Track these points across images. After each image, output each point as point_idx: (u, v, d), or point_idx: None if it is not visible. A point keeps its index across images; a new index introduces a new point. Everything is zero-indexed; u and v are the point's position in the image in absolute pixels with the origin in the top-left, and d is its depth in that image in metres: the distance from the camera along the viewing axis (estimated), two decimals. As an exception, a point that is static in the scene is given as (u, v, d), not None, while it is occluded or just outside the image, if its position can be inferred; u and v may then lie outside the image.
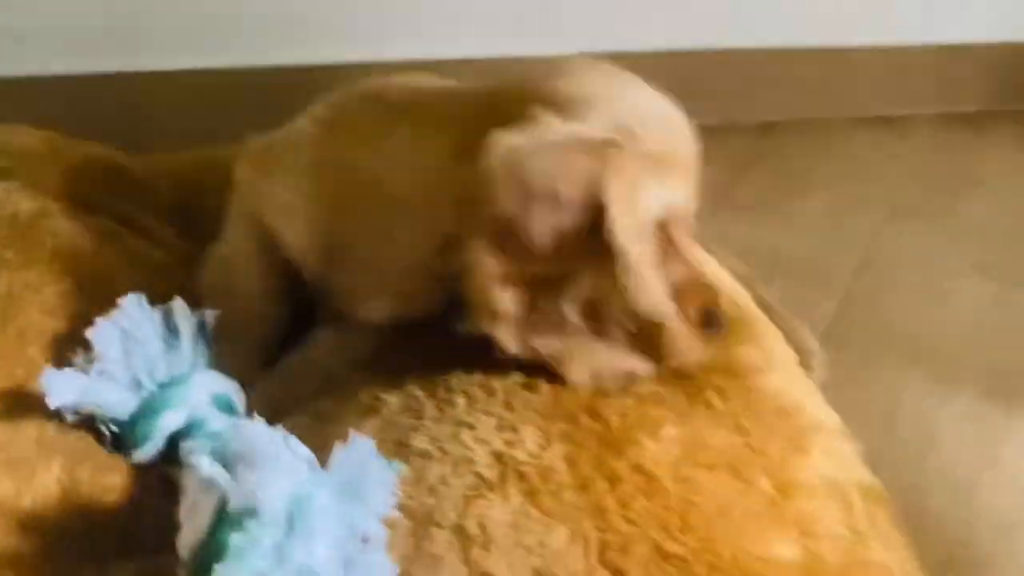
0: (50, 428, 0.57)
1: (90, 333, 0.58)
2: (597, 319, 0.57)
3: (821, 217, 1.31)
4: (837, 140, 1.60)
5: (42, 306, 0.65)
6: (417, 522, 0.53)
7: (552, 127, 0.55)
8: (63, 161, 0.84)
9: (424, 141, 0.61)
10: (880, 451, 0.83)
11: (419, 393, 0.63)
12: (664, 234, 0.59)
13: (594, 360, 0.58)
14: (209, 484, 0.44)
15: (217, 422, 0.59)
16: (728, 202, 1.33)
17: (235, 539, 0.42)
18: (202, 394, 0.60)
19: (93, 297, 0.65)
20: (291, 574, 0.43)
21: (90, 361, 0.58)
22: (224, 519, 0.43)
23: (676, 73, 1.51)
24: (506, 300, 0.55)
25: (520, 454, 0.56)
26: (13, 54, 1.18)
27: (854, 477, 0.61)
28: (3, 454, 0.55)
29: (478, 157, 0.54)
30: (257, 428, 0.46)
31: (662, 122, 0.60)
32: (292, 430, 0.64)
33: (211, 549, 0.44)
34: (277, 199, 0.69)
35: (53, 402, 0.55)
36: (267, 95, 1.24)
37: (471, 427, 0.59)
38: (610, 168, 0.54)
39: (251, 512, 0.42)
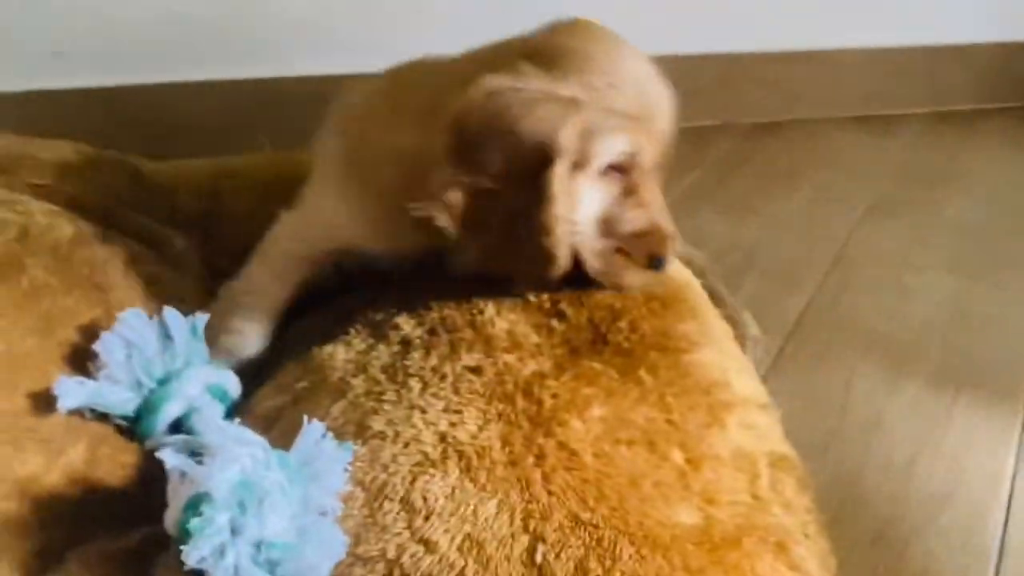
0: (76, 418, 0.65)
1: (96, 345, 0.65)
2: (513, 232, 0.68)
3: (801, 215, 1.34)
4: (825, 140, 1.62)
5: (74, 323, 0.72)
6: (371, 495, 0.58)
7: (531, 79, 0.65)
8: (93, 173, 0.91)
9: (435, 107, 0.69)
10: (831, 434, 0.89)
11: (381, 377, 0.68)
12: (628, 181, 0.70)
13: (496, 259, 0.70)
14: (180, 474, 0.51)
15: (210, 410, 0.67)
16: (714, 201, 1.37)
17: (193, 522, 0.48)
18: (197, 386, 0.68)
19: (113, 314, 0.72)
20: (247, 546, 0.49)
21: (99, 367, 0.65)
22: (187, 504, 0.50)
23: (670, 76, 1.57)
24: (453, 195, 0.66)
25: (461, 435, 0.62)
26: (52, 68, 1.24)
27: (766, 448, 0.65)
28: (36, 434, 0.63)
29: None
30: (215, 423, 0.53)
31: (636, 83, 0.69)
32: (276, 409, 0.72)
33: (181, 530, 0.50)
34: (322, 212, 0.79)
35: (63, 405, 0.62)
36: (293, 104, 1.31)
37: (423, 410, 0.64)
38: (566, 124, 0.64)
39: (206, 498, 0.49)
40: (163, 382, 0.67)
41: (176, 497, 0.52)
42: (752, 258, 1.20)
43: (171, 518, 0.51)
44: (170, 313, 0.70)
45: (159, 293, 0.81)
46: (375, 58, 1.35)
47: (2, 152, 0.90)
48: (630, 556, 0.53)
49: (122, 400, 0.66)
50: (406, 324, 0.73)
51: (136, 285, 0.81)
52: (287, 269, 0.80)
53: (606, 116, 0.67)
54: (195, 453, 0.55)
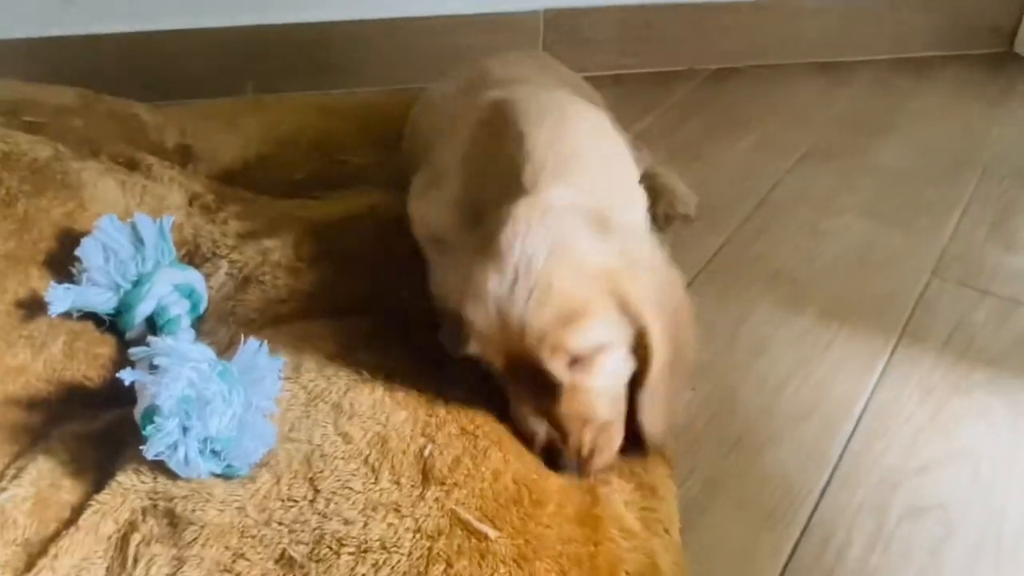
0: (59, 317, 0.70)
1: (78, 250, 0.70)
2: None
3: (740, 161, 1.32)
4: (781, 87, 1.58)
5: (51, 223, 0.76)
6: (311, 397, 0.66)
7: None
8: (88, 113, 0.95)
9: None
10: (718, 355, 0.92)
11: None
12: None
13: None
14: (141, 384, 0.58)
15: (176, 307, 0.73)
16: (663, 147, 1.33)
17: (148, 428, 0.56)
18: (166, 286, 0.73)
19: (91, 217, 0.77)
20: (194, 442, 0.56)
21: (82, 271, 0.70)
22: (144, 413, 0.57)
23: (637, 24, 1.58)
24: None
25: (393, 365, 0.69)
26: (62, 16, 1.27)
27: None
28: (25, 332, 0.69)
29: None
30: (165, 344, 0.59)
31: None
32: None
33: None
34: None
35: (55, 310, 0.67)
36: (277, 52, 1.36)
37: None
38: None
39: (157, 410, 0.56)
40: (137, 283, 0.72)
41: (141, 399, 0.59)
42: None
43: (137, 414, 0.59)
44: (140, 218, 0.74)
45: (134, 192, 0.85)
46: (358, 8, 1.39)
47: (7, 96, 0.92)
48: (496, 458, 0.61)
49: (104, 300, 0.71)
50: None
51: (111, 185, 0.84)
52: None
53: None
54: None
